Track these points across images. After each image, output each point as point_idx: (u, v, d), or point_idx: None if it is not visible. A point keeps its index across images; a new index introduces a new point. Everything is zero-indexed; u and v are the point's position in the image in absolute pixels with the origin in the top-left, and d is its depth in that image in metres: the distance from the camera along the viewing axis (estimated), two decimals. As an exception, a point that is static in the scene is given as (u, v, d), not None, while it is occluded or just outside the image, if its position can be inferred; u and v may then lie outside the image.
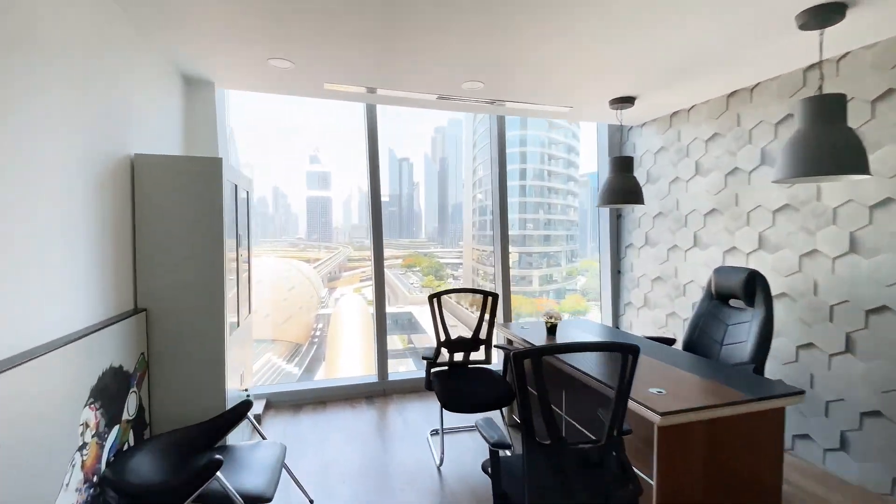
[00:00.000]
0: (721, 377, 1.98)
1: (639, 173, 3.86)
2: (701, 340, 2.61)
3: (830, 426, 2.45)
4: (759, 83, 2.82)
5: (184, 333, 2.09)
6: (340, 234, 5.96)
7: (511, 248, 3.99)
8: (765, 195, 2.81)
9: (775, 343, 2.56)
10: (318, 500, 2.22)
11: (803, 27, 2.01)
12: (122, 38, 1.97)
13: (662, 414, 1.60)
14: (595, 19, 2.02)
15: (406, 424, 3.10)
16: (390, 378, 3.70)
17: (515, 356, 1.38)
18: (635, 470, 1.72)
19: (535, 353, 1.36)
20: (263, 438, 2.09)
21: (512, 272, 3.98)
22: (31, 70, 1.37)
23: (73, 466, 1.46)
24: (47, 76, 1.44)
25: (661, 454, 1.66)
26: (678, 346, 2.77)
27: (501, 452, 1.54)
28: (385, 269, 3.73)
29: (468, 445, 2.80)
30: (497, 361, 3.59)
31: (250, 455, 1.89)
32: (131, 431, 1.88)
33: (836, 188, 2.43)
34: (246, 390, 2.62)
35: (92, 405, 1.58)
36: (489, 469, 1.56)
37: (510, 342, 2.98)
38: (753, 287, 2.39)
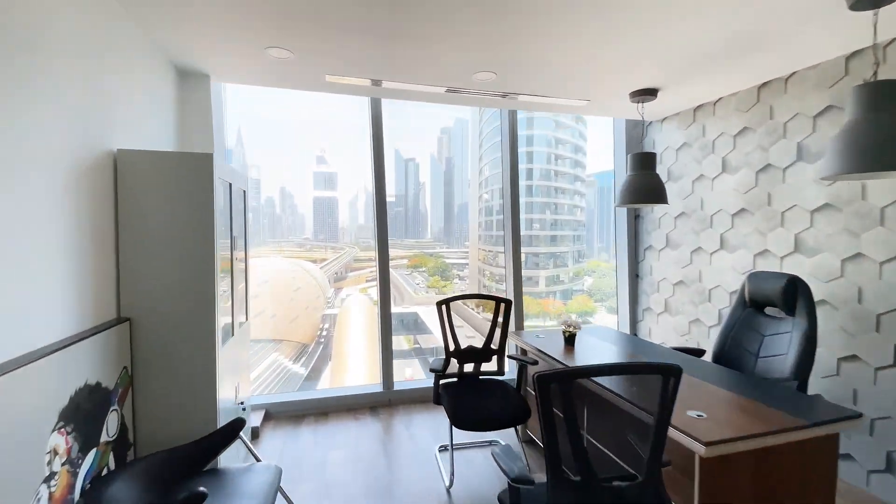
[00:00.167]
0: (763, 396, 1.77)
1: (659, 171, 3.64)
2: (734, 352, 2.39)
3: (875, 446, 2.25)
4: (794, 73, 2.60)
5: (172, 345, 1.92)
6: (347, 235, 5.88)
7: (520, 249, 3.80)
8: (801, 194, 2.59)
9: (815, 355, 2.35)
10: (317, 527, 2.04)
11: (855, 6, 1.81)
12: (105, 23, 1.79)
13: (707, 444, 1.39)
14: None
15: (413, 440, 2.91)
16: (396, 388, 3.52)
17: (541, 378, 1.19)
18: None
19: (565, 376, 1.17)
20: (258, 460, 1.91)
21: (522, 275, 3.78)
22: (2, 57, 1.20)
23: (39, 501, 1.29)
24: (21, 66, 1.27)
25: (703, 489, 1.45)
26: (707, 357, 2.56)
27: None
28: (391, 270, 3.55)
29: (480, 464, 2.60)
30: (510, 370, 3.40)
31: (242, 479, 1.72)
32: (111, 454, 1.71)
33: (883, 186, 2.21)
34: (241, 403, 2.45)
35: (62, 429, 1.40)
36: (507, 503, 1.37)
37: (524, 352, 2.78)
38: (794, 294, 2.18)
